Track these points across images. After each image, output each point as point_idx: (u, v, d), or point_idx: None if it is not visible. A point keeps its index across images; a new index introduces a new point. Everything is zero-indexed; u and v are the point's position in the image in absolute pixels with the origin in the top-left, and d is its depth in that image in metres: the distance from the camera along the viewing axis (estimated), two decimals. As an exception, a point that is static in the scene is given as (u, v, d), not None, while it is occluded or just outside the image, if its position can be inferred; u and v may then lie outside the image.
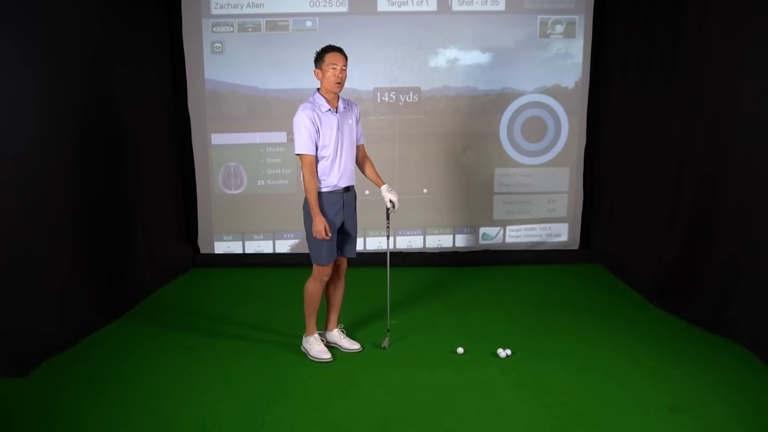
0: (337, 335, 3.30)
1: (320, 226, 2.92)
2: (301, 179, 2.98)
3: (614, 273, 4.63)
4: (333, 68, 2.93)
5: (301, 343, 3.25)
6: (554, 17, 4.70)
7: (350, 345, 3.27)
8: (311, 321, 3.20)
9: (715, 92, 3.48)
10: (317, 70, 2.99)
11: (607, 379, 2.89)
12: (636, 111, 4.32)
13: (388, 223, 3.28)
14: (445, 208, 4.95)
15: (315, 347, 3.17)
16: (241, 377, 2.94)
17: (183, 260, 4.82)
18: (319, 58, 2.97)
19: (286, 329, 3.52)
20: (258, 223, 4.94)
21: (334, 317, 3.33)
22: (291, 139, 4.77)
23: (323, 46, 3.01)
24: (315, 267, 3.09)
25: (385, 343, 3.29)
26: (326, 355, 3.13)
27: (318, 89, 3.03)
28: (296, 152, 2.95)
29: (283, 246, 4.96)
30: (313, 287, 3.13)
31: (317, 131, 2.93)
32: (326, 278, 3.13)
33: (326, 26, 4.63)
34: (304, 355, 3.17)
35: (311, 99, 3.00)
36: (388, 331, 3.35)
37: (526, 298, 4.12)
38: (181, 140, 4.82)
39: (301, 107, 2.95)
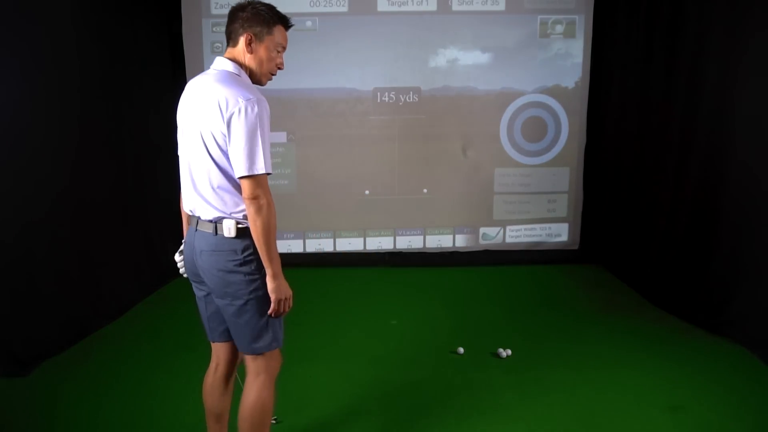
0: None
1: (288, 290, 1.97)
2: (257, 213, 1.81)
3: (614, 273, 4.63)
4: (280, 51, 1.94)
5: None
6: (554, 17, 4.70)
7: None
8: None
9: (716, 92, 3.48)
10: (253, 38, 1.87)
11: (607, 379, 2.89)
12: (636, 111, 4.32)
13: None
14: (445, 208, 4.94)
15: None
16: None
17: (183, 260, 4.81)
18: (266, 25, 1.87)
19: (285, 328, 3.50)
20: (258, 223, 4.92)
21: None
22: (291, 139, 4.80)
23: (270, 6, 1.92)
24: (267, 359, 2.04)
25: None
26: None
27: (236, 64, 1.90)
28: (259, 171, 1.77)
29: (283, 246, 4.96)
30: (268, 396, 2.02)
31: None
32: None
33: (326, 26, 4.62)
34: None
35: (246, 81, 1.89)
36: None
37: (526, 298, 4.12)
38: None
39: (252, 95, 1.77)
